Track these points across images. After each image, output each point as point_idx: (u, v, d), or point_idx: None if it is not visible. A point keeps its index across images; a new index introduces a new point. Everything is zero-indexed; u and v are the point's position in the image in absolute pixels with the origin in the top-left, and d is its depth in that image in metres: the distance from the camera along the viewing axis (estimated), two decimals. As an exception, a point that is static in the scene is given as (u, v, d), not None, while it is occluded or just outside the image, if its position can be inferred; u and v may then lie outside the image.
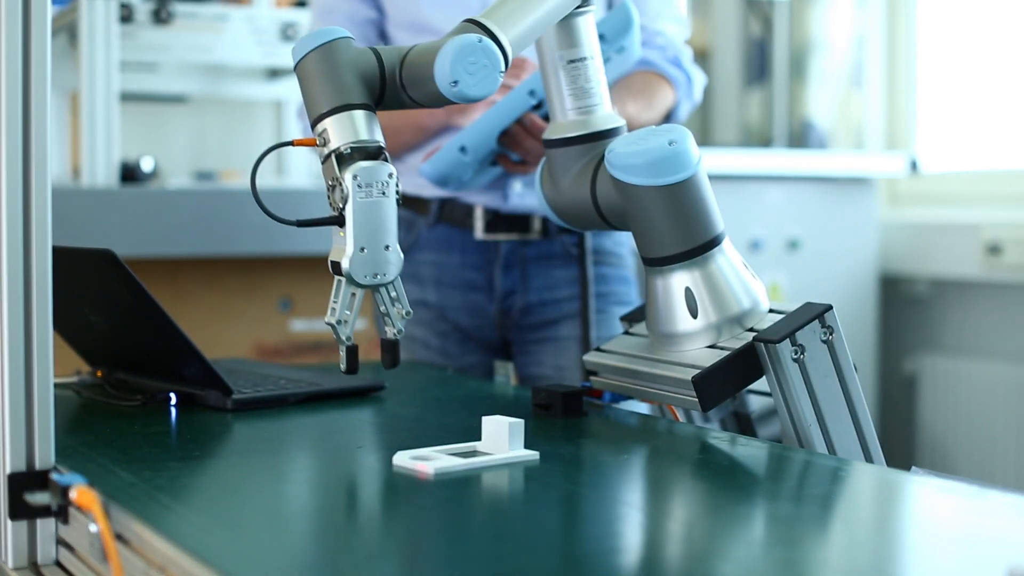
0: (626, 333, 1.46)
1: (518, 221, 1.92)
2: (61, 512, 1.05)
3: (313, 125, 1.22)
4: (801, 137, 3.68)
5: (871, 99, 3.71)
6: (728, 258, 1.32)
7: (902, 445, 3.45)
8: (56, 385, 1.10)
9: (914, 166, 3.36)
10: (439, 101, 1.23)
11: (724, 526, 0.99)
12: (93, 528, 0.97)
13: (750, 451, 1.25)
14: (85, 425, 1.39)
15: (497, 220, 1.91)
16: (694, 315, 1.30)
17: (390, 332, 1.26)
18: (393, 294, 1.25)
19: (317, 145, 1.21)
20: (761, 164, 3.25)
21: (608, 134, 1.39)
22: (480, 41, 1.20)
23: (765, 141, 3.80)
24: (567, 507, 1.03)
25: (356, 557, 0.90)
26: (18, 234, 1.06)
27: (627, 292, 2.00)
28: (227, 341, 2.57)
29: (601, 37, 1.59)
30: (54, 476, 1.05)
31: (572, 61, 1.38)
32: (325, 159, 1.21)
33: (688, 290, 1.31)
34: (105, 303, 1.49)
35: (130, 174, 2.71)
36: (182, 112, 3.38)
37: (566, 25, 1.37)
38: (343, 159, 1.19)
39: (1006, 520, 0.99)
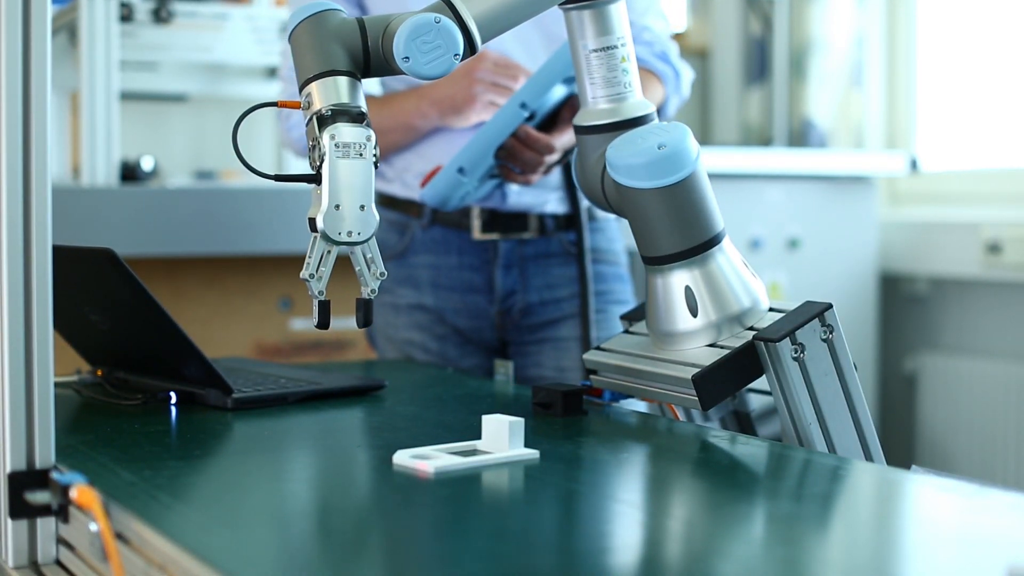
0: (626, 332, 1.46)
1: (515, 220, 1.92)
2: (61, 511, 1.05)
3: (300, 90, 1.26)
4: (801, 136, 3.68)
5: (871, 98, 3.70)
6: (728, 257, 1.32)
7: (902, 444, 3.45)
8: (56, 384, 1.10)
9: (914, 165, 3.36)
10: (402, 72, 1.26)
11: (724, 525, 0.99)
12: (93, 527, 0.97)
13: (750, 450, 1.25)
14: (85, 424, 1.39)
15: (493, 220, 1.91)
16: (694, 314, 1.31)
17: (364, 292, 1.29)
18: (369, 255, 1.28)
19: (302, 108, 1.25)
20: (761, 163, 3.25)
21: (637, 122, 1.37)
22: (438, 21, 1.23)
23: (765, 140, 3.80)
24: (567, 506, 1.03)
25: (356, 556, 0.90)
26: (18, 233, 1.06)
27: (624, 290, 2.00)
28: (227, 340, 2.57)
29: None
30: (54, 475, 1.05)
31: (604, 49, 1.37)
32: (308, 121, 1.24)
33: (688, 289, 1.31)
34: (105, 302, 1.49)
35: (130, 173, 2.71)
36: (182, 111, 3.38)
37: (599, 12, 1.36)
38: (323, 120, 1.23)
39: (1006, 519, 0.99)
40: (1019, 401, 3.11)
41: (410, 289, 1.95)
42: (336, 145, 1.22)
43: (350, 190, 1.24)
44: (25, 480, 1.06)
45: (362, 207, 1.25)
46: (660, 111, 1.96)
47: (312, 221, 1.25)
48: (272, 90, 3.09)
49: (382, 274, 1.30)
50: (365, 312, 1.30)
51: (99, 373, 1.58)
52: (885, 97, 3.73)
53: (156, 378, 1.49)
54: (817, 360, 1.25)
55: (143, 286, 1.37)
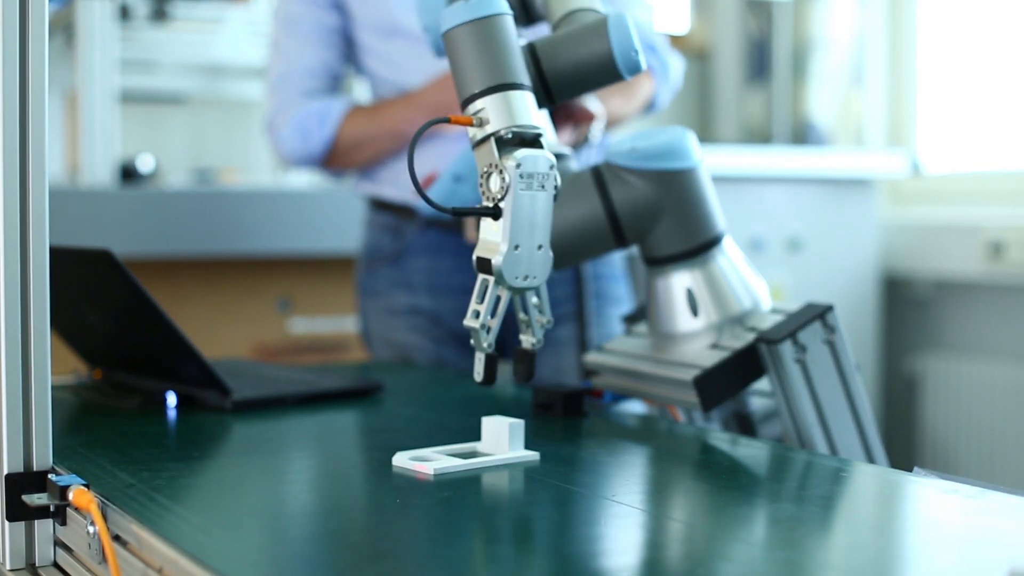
0: (627, 333, 1.45)
1: None
2: (59, 513, 1.05)
3: (466, 103, 1.12)
4: (802, 136, 3.68)
5: (872, 98, 3.70)
6: (729, 258, 1.32)
7: (904, 445, 3.44)
8: (54, 386, 1.09)
9: (915, 166, 3.35)
10: (598, 81, 1.21)
11: (725, 527, 0.99)
12: (91, 529, 0.97)
13: (751, 451, 1.24)
14: (83, 426, 1.39)
15: None
16: (695, 315, 1.30)
17: (526, 342, 1.16)
18: (535, 300, 1.15)
19: (472, 125, 1.10)
20: (762, 163, 3.25)
21: (559, 159, 1.34)
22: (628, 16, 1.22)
23: (766, 140, 3.80)
24: (567, 508, 1.03)
25: (355, 557, 0.90)
26: (16, 234, 1.06)
27: (618, 289, 1.99)
28: (226, 341, 2.57)
29: None
30: (52, 477, 1.05)
31: None
32: (480, 142, 1.10)
33: (689, 290, 1.30)
34: (103, 303, 1.48)
35: (128, 174, 2.71)
36: (180, 111, 3.37)
37: None
38: (503, 144, 1.09)
39: (1008, 520, 0.99)
40: (1021, 402, 3.11)
41: (406, 292, 1.94)
42: (521, 175, 1.07)
43: (531, 228, 1.09)
44: (23, 482, 1.06)
45: (539, 247, 1.11)
46: (652, 104, 1.95)
47: (485, 262, 1.09)
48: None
49: (549, 322, 1.17)
50: (528, 365, 1.16)
51: (97, 374, 1.57)
52: (886, 97, 3.73)
53: (154, 379, 1.49)
54: (819, 361, 1.25)
55: (141, 287, 1.37)
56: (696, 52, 4.07)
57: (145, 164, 2.77)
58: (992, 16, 3.49)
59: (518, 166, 1.07)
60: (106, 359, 1.58)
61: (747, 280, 1.32)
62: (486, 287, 1.11)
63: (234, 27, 2.78)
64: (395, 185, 1.92)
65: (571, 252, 1.33)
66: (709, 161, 1.32)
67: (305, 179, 3.18)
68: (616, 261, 2.01)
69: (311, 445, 1.35)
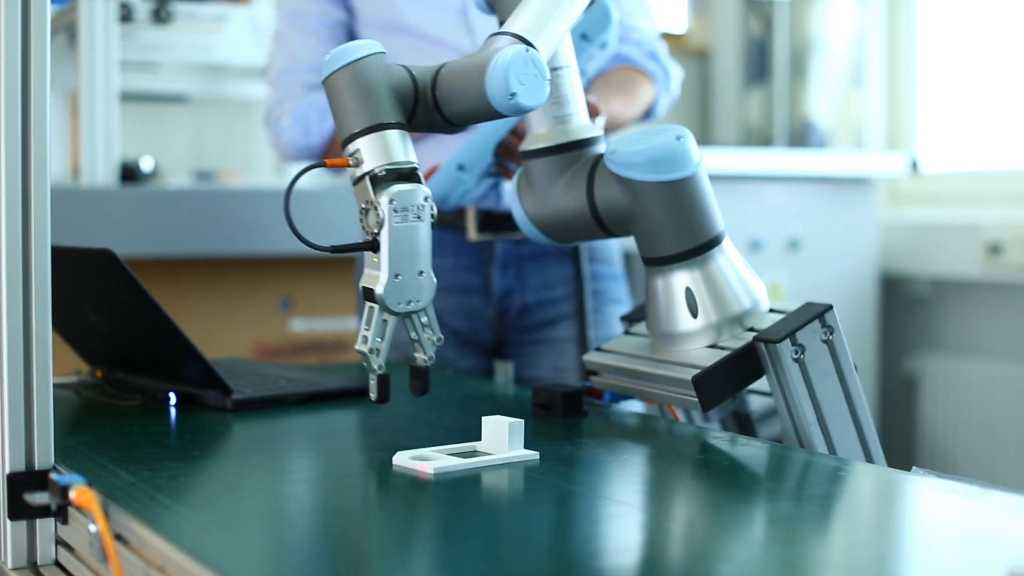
0: (626, 333, 1.45)
1: (510, 220, 1.91)
2: (60, 512, 1.05)
3: (344, 144, 1.19)
4: (801, 137, 3.68)
5: (871, 99, 3.70)
6: (728, 258, 1.32)
7: (902, 445, 3.45)
8: (55, 385, 1.10)
9: (914, 166, 3.36)
10: (482, 116, 1.20)
11: (724, 526, 0.99)
12: (92, 528, 0.97)
13: (750, 451, 1.25)
14: (85, 425, 1.39)
15: (489, 220, 1.90)
16: (694, 315, 1.30)
17: (420, 359, 1.23)
18: (424, 320, 1.22)
19: (349, 166, 1.18)
20: (761, 164, 3.25)
21: (587, 143, 1.37)
22: (527, 51, 1.18)
23: (765, 141, 3.80)
24: (567, 507, 1.03)
25: (355, 557, 0.90)
26: (18, 234, 1.06)
27: (619, 289, 2.00)
28: (227, 341, 2.57)
29: (583, 36, 1.59)
30: (53, 476, 1.05)
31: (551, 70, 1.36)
32: (358, 180, 1.17)
33: (688, 290, 1.31)
34: (105, 303, 1.48)
35: (130, 174, 2.71)
36: (182, 112, 3.38)
37: None
38: (377, 181, 1.16)
39: (1007, 520, 0.99)
40: (1020, 402, 3.11)
41: None
42: (395, 210, 1.16)
43: (410, 257, 1.18)
44: (24, 481, 1.06)
45: (420, 272, 1.19)
46: (651, 110, 1.96)
47: (369, 291, 1.18)
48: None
49: (439, 339, 1.24)
50: (423, 381, 1.24)
51: (98, 374, 1.57)
52: (885, 97, 3.73)
53: (155, 379, 1.49)
54: (817, 361, 1.25)
55: (142, 287, 1.37)
56: (695, 53, 4.07)
57: (145, 165, 2.77)
58: (991, 16, 3.50)
59: (391, 201, 1.15)
60: (107, 358, 1.58)
61: (746, 280, 1.33)
62: (372, 313, 1.18)
63: (235, 27, 2.78)
64: None
65: (565, 233, 1.40)
66: (708, 162, 1.33)
67: (306, 178, 3.18)
68: (616, 261, 2.02)
69: (311, 444, 1.35)
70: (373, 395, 1.21)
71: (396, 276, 1.17)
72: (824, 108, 3.65)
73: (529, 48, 1.19)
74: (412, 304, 1.19)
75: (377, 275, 1.17)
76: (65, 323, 1.53)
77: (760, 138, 3.84)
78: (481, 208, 1.89)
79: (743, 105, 3.96)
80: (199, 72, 2.90)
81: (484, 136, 1.65)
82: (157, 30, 2.69)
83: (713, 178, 1.34)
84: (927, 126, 3.67)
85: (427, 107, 1.21)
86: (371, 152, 1.16)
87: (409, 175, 1.18)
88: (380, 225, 1.16)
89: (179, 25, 2.71)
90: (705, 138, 3.99)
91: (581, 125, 1.39)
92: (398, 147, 1.17)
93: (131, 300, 1.40)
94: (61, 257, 1.14)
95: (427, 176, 1.70)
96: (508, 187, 1.88)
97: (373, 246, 1.17)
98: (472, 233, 1.90)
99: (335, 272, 2.58)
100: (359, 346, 1.20)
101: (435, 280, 1.21)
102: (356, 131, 1.17)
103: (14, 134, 1.06)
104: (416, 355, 1.24)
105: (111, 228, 2.37)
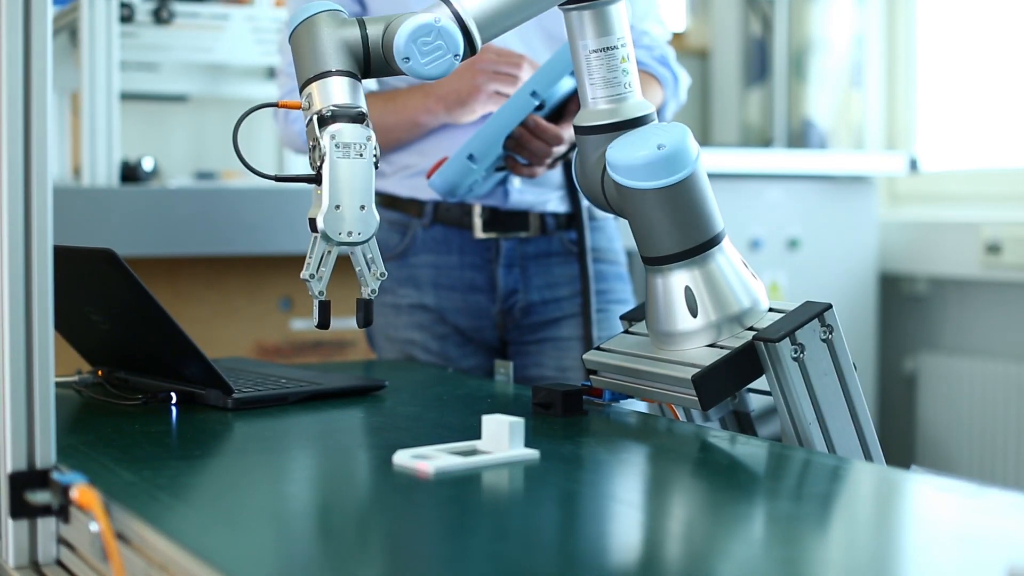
0: (626, 332, 1.46)
1: (516, 219, 1.92)
2: (62, 511, 1.05)
3: (301, 90, 1.27)
4: (801, 136, 3.68)
5: (871, 98, 3.71)
6: (728, 257, 1.33)
7: (902, 444, 3.45)
8: (57, 384, 1.10)
9: (914, 165, 3.36)
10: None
11: (724, 525, 0.99)
12: (94, 527, 0.97)
13: (750, 450, 1.25)
14: (86, 424, 1.39)
15: (495, 218, 1.91)
16: (694, 314, 1.31)
17: (365, 292, 1.31)
18: (369, 255, 1.30)
19: (302, 108, 1.27)
20: (761, 163, 3.25)
21: (638, 122, 1.36)
22: (438, 21, 1.25)
23: (765, 141, 3.80)
24: (567, 506, 1.03)
25: (356, 556, 0.90)
26: (19, 233, 1.06)
27: (624, 289, 2.00)
28: (227, 340, 2.57)
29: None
30: (55, 475, 1.05)
31: (604, 49, 1.35)
32: (308, 121, 1.25)
33: (688, 289, 1.31)
34: (106, 302, 1.49)
35: (131, 174, 2.71)
36: (183, 112, 3.38)
37: (599, 12, 1.35)
38: (324, 120, 1.24)
39: (1006, 519, 0.99)
40: (1018, 401, 3.11)
41: (411, 289, 1.95)
42: (336, 145, 1.23)
43: (350, 190, 1.25)
44: (26, 480, 1.06)
45: (362, 207, 1.26)
46: (658, 114, 1.96)
47: (312, 221, 1.26)
48: (272, 89, 3.09)
49: (382, 274, 1.31)
50: (366, 312, 1.32)
51: (100, 373, 1.58)
52: (885, 97, 3.74)
53: (156, 378, 1.49)
54: (817, 360, 1.25)
55: (144, 286, 1.37)
56: (695, 52, 4.07)
57: (146, 165, 2.77)
58: (990, 16, 3.50)
59: (332, 137, 1.23)
60: (109, 358, 1.58)
61: (745, 279, 1.33)
62: (315, 243, 1.26)
63: (236, 28, 2.78)
64: (402, 181, 1.93)
65: (603, 208, 1.41)
66: (708, 162, 1.33)
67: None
68: (621, 262, 2.02)
69: (312, 443, 1.35)
70: (315, 321, 1.29)
71: (336, 207, 1.25)
72: (824, 108, 3.65)
73: (441, 19, 1.25)
74: (352, 236, 1.26)
75: (320, 207, 1.25)
76: (66, 322, 1.53)
77: (760, 138, 3.84)
78: (487, 206, 1.90)
79: (743, 105, 3.96)
80: (200, 72, 2.90)
81: (496, 127, 1.65)
82: (158, 30, 2.69)
83: (713, 178, 1.34)
84: (926, 125, 3.67)
85: (379, 58, 1.27)
86: (319, 96, 1.25)
87: (356, 118, 1.25)
88: (322, 159, 1.24)
89: (180, 25, 2.71)
90: (705, 138, 3.99)
91: (633, 104, 1.37)
92: (344, 91, 1.25)
93: (132, 300, 1.40)
94: (62, 257, 1.14)
95: (437, 166, 1.71)
96: (513, 182, 1.89)
97: (316, 179, 1.25)
98: (478, 231, 1.91)
99: (337, 271, 2.58)
100: (302, 273, 1.27)
101: (378, 217, 1.27)
102: (308, 78, 1.26)
103: (16, 134, 1.06)
104: (362, 288, 1.31)
105: (112, 228, 2.37)
